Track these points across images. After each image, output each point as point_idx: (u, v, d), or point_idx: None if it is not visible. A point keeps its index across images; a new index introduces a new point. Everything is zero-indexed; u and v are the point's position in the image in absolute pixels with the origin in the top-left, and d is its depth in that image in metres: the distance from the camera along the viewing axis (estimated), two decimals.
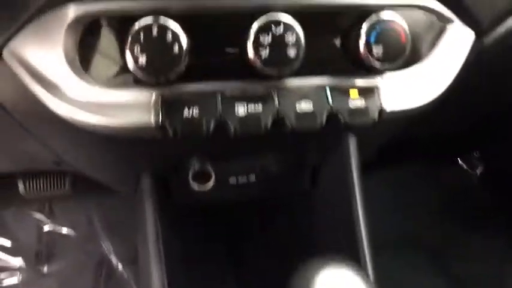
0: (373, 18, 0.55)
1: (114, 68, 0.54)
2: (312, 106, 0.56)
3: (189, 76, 0.55)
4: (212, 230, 0.94)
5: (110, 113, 0.54)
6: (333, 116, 0.57)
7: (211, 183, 0.83)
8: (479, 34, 0.65)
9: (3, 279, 1.46)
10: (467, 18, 0.63)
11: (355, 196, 0.72)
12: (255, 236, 0.97)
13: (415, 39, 0.62)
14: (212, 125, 0.54)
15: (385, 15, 0.56)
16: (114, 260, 1.51)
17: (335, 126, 0.57)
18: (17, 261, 1.49)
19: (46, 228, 1.55)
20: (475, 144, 1.61)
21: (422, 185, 1.65)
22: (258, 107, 0.55)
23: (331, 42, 0.59)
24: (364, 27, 0.55)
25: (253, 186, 0.86)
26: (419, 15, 0.63)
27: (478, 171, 1.70)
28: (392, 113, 0.60)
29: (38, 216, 1.56)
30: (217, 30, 0.55)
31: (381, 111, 0.59)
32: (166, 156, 0.73)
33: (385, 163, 1.59)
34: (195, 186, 0.83)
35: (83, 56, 0.54)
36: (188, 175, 0.82)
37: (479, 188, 1.67)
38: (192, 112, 0.54)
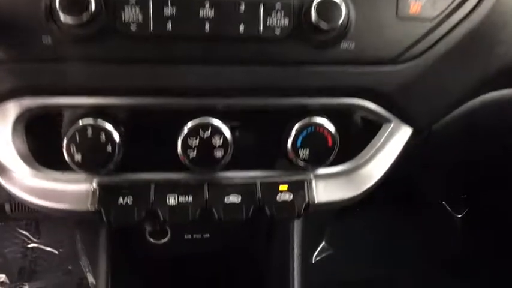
0: (303, 121, 0.59)
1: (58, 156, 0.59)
2: (240, 199, 0.60)
3: (128, 165, 0.59)
4: (167, 278, 0.98)
5: (53, 198, 0.60)
6: (259, 209, 0.61)
7: (166, 238, 0.88)
8: (417, 130, 0.68)
9: None
10: (404, 118, 0.66)
11: (293, 273, 0.75)
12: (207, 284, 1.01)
13: (350, 136, 0.65)
14: (144, 213, 0.58)
15: (315, 119, 0.59)
16: (90, 279, 1.55)
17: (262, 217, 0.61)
18: (0, 277, 1.55)
19: (31, 245, 1.60)
20: (460, 189, 1.62)
21: (402, 225, 1.66)
22: (188, 198, 0.59)
23: (268, 139, 0.63)
24: (293, 130, 0.59)
25: (208, 241, 0.90)
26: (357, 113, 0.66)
27: (461, 214, 1.70)
28: (321, 204, 0.64)
29: (25, 233, 1.62)
30: (156, 127, 0.59)
31: (308, 204, 0.63)
32: None
33: (365, 204, 1.61)
34: (151, 240, 0.88)
35: (31, 144, 0.59)
36: (145, 231, 0.86)
37: (461, 232, 1.67)
38: (126, 201, 0.58)
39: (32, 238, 1.62)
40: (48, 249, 1.60)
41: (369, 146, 0.66)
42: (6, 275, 1.54)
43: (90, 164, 0.55)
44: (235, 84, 0.55)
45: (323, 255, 1.58)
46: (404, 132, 0.67)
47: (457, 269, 1.55)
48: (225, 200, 0.60)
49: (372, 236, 1.62)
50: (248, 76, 0.55)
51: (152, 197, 0.59)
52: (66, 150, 0.54)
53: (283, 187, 0.62)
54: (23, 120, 0.57)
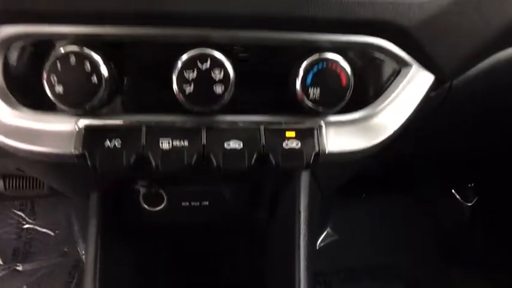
0: (313, 57, 0.52)
1: (39, 93, 0.52)
2: (241, 145, 0.54)
3: (116, 108, 0.53)
4: (163, 250, 0.92)
5: (33, 140, 0.53)
6: (263, 157, 0.54)
7: (162, 205, 0.81)
8: (439, 79, 0.61)
9: None
10: (427, 64, 0.59)
11: (299, 240, 0.69)
12: (206, 259, 0.95)
13: (366, 80, 0.59)
14: (133, 159, 0.52)
15: (328, 55, 0.53)
16: None
17: (266, 167, 0.55)
18: None
19: (26, 226, 1.55)
20: (469, 177, 1.56)
21: (412, 214, 1.61)
22: (184, 143, 0.53)
23: (274, 81, 0.56)
24: (302, 66, 0.52)
25: (207, 210, 0.84)
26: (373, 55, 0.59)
27: (471, 203, 1.64)
28: (332, 155, 0.57)
29: (20, 214, 1.57)
30: (147, 62, 0.53)
31: (318, 154, 0.56)
32: (112, 179, 0.72)
33: (377, 191, 1.56)
34: (145, 206, 0.81)
35: (9, 79, 0.53)
36: (139, 196, 0.80)
37: (470, 220, 1.61)
38: (114, 144, 0.52)
39: (27, 219, 1.57)
40: (44, 230, 1.55)
41: (385, 93, 0.59)
42: (0, 256, 1.49)
43: (72, 97, 0.48)
44: (236, 10, 0.48)
45: (328, 241, 1.53)
46: (425, 80, 0.60)
47: (466, 258, 1.50)
48: (225, 145, 0.53)
49: (379, 224, 1.57)
50: (249, 1, 0.48)
51: (143, 140, 0.52)
52: (47, 80, 0.48)
53: (290, 134, 0.55)
54: (2, 52, 0.51)
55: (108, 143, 0.52)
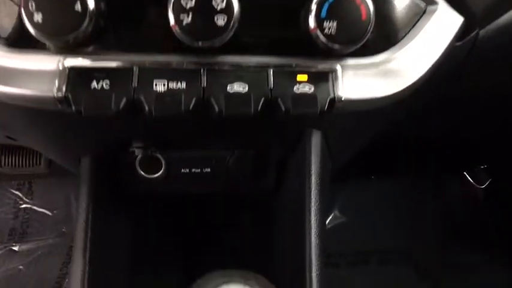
0: None
1: (17, 27, 0.46)
2: (246, 88, 0.47)
3: (104, 46, 0.47)
4: (160, 221, 0.86)
5: (10, 82, 0.47)
6: (271, 102, 0.48)
7: (160, 172, 0.75)
8: (468, 23, 0.54)
9: None
10: (456, 2, 0.52)
11: (310, 205, 0.62)
12: (207, 231, 0.89)
13: (387, 19, 0.52)
14: (123, 102, 0.46)
15: None
16: None
17: (274, 114, 0.48)
18: None
19: (23, 206, 1.51)
20: (482, 158, 1.50)
21: (425, 197, 1.55)
22: (181, 85, 0.46)
23: (285, 15, 0.49)
24: None
25: (208, 179, 0.77)
26: None
27: (484, 185, 1.58)
28: (349, 102, 0.50)
29: (17, 193, 1.53)
30: None
31: (333, 100, 0.49)
32: (103, 138, 0.65)
33: (386, 174, 1.50)
34: (142, 173, 0.75)
35: None
36: (135, 162, 0.74)
37: (483, 205, 1.55)
38: (102, 86, 0.46)
39: (24, 199, 1.53)
40: (42, 210, 1.51)
41: (408, 35, 0.53)
42: None
43: (53, 26, 0.42)
44: None
45: (335, 223, 1.47)
46: (452, 23, 0.54)
47: (477, 242, 1.43)
48: (228, 88, 0.47)
49: (387, 207, 1.51)
50: None
51: (135, 82, 0.46)
52: (24, 7, 0.42)
53: (302, 77, 0.49)
54: None
55: (95, 84, 0.46)
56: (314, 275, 0.58)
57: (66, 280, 1.36)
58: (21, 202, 1.53)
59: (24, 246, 1.45)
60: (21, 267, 1.39)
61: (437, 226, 1.50)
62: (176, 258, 0.83)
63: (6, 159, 1.36)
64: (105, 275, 0.66)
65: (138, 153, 0.73)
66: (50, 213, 1.51)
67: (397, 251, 1.44)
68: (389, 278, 1.37)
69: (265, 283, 0.48)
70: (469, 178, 1.61)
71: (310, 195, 0.63)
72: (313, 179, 0.63)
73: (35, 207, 1.52)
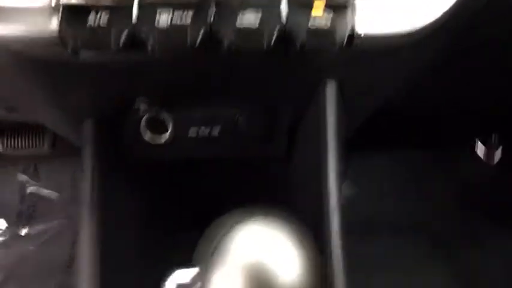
0: None
1: None
2: (258, 21, 0.43)
3: None
4: (167, 189, 0.83)
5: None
6: (285, 36, 0.44)
7: (167, 134, 0.71)
8: None
9: None
10: None
11: (327, 161, 0.58)
12: (216, 199, 0.86)
13: None
14: (123, 37, 0.42)
15: None
16: None
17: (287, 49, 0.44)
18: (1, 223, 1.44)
19: (29, 189, 1.49)
20: (494, 130, 1.46)
21: (437, 169, 1.50)
22: (186, 19, 0.42)
23: None
24: None
25: (217, 141, 0.74)
26: None
27: (496, 158, 1.54)
28: (369, 38, 0.46)
29: (22, 177, 1.51)
30: None
31: (352, 36, 0.45)
32: (106, 94, 0.62)
33: (398, 145, 1.46)
34: (148, 136, 0.72)
35: None
36: (140, 123, 0.70)
37: (497, 178, 1.51)
38: (100, 20, 0.42)
39: (30, 181, 1.50)
40: (48, 192, 1.49)
41: None
42: (6, 221, 1.43)
43: None
44: None
45: (347, 192, 1.43)
46: None
47: (494, 213, 1.39)
48: (238, 21, 0.43)
49: (400, 178, 1.48)
50: None
51: (135, 16, 0.42)
52: None
53: (317, 9, 0.44)
54: None
55: (91, 20, 0.42)
56: (336, 243, 0.55)
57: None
58: (28, 185, 1.51)
59: (32, 230, 1.43)
60: (32, 247, 1.38)
61: (452, 197, 1.47)
62: (187, 217, 0.80)
63: (9, 141, 1.35)
64: (115, 235, 0.63)
65: (144, 114, 0.69)
66: (57, 195, 1.49)
67: (410, 221, 1.40)
68: (403, 248, 1.34)
69: (286, 218, 0.46)
70: (481, 153, 1.57)
71: (327, 149, 0.60)
72: (330, 131, 0.60)
73: (41, 190, 1.50)
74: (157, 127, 0.71)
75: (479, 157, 1.55)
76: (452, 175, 1.50)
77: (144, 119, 0.69)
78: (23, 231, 1.41)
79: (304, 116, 0.71)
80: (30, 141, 1.34)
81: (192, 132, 0.73)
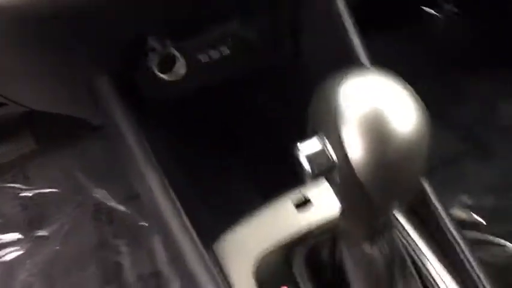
0: None
1: None
2: None
3: None
4: (197, 120, 0.83)
5: None
6: None
7: (181, 68, 0.71)
8: None
9: (3, 255, 1.37)
10: None
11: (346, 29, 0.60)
12: (244, 117, 0.88)
13: None
14: None
15: None
16: (111, 203, 1.43)
17: None
18: (12, 236, 1.39)
19: (26, 194, 1.44)
20: None
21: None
22: None
23: None
24: None
25: (228, 60, 0.74)
26: None
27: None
28: None
29: (14, 185, 1.44)
30: None
31: None
32: (113, 43, 0.60)
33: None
34: (163, 76, 0.70)
35: None
36: (152, 67, 0.69)
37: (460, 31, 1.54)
38: None
39: (24, 187, 1.45)
40: (47, 190, 1.44)
41: None
42: (18, 232, 1.39)
43: None
44: None
45: None
46: None
47: (472, 67, 1.44)
48: None
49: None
50: None
51: None
52: None
53: None
54: None
55: None
56: None
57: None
58: (22, 191, 1.46)
59: (50, 230, 1.40)
60: (57, 247, 1.36)
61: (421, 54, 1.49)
62: (225, 151, 0.82)
63: None
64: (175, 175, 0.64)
65: (153, 58, 0.68)
66: (55, 190, 1.45)
67: None
68: None
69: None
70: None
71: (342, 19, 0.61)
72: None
73: (37, 191, 1.45)
74: (170, 65, 0.70)
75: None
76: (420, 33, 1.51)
77: (156, 62, 0.68)
78: (42, 233, 1.39)
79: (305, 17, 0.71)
80: (14, 143, 1.28)
81: (204, 57, 0.73)
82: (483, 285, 0.55)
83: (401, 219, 0.60)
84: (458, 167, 1.05)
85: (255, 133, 0.88)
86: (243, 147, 0.87)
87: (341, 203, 0.44)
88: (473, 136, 1.34)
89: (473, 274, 0.57)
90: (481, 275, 0.56)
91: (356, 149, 0.35)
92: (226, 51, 0.74)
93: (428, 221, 0.60)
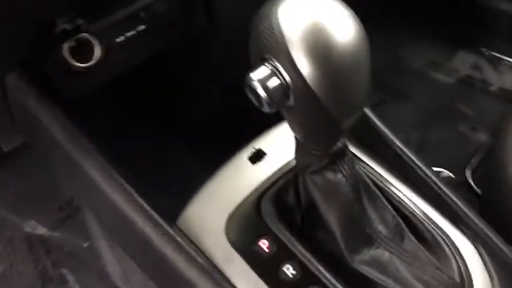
0: None
1: None
2: None
3: None
4: (129, 103, 0.79)
5: None
6: None
7: (97, 52, 0.65)
8: None
9: None
10: None
11: None
12: (175, 92, 0.85)
13: None
14: None
15: None
16: (43, 231, 1.28)
17: None
18: None
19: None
20: None
21: None
22: None
23: None
24: None
25: (146, 36, 0.71)
26: None
27: None
28: None
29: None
30: None
31: None
32: (17, 27, 0.54)
33: None
34: (77, 64, 0.64)
35: None
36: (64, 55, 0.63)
37: None
38: None
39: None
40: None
41: None
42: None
43: None
44: None
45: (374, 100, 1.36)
46: None
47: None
48: None
49: None
50: None
51: None
52: None
53: None
54: None
55: None
56: None
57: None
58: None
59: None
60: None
61: None
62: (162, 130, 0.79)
63: None
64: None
65: (65, 45, 0.63)
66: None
67: None
68: None
69: None
70: None
71: None
72: None
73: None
74: (85, 50, 0.65)
75: None
76: None
77: (67, 48, 0.63)
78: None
79: None
80: None
81: (119, 37, 0.69)
82: (445, 194, 0.58)
83: (354, 150, 0.62)
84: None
85: (190, 108, 0.86)
86: (181, 123, 0.85)
87: (297, 131, 0.45)
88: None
89: (435, 187, 0.59)
90: (444, 188, 0.58)
91: (308, 66, 0.37)
92: (141, 27, 0.70)
93: (379, 146, 0.63)
